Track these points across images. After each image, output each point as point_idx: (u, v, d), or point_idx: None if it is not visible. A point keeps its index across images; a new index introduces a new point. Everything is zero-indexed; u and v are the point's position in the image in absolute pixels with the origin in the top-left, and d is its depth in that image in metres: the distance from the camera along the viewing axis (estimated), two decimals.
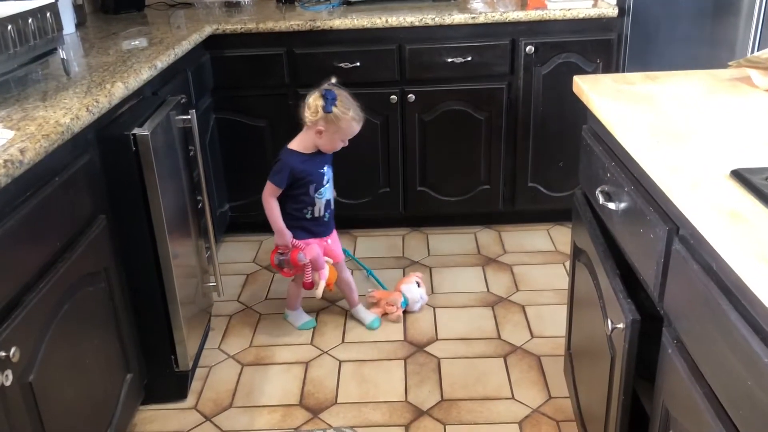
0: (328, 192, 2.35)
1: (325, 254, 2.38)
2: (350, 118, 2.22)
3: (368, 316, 2.53)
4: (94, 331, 1.73)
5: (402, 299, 2.53)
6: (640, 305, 1.32)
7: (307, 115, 2.21)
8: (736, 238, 0.91)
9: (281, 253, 2.35)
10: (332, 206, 2.40)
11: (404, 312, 2.56)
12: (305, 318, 2.54)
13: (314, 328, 2.52)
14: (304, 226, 2.34)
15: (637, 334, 1.26)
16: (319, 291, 2.34)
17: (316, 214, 2.34)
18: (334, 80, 2.27)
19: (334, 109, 2.18)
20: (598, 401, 1.55)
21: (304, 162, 2.27)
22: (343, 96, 2.22)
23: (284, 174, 2.24)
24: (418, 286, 2.58)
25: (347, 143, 2.31)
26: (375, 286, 2.75)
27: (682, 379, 1.07)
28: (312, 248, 2.32)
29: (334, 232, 2.47)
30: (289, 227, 2.31)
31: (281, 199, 2.31)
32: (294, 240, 2.32)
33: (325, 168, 2.32)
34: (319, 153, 2.30)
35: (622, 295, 1.33)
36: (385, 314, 2.54)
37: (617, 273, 1.41)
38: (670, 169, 1.13)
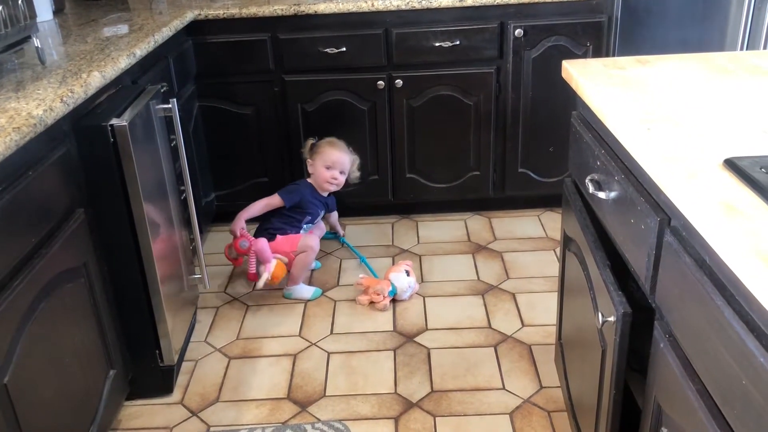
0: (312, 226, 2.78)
1: (280, 251, 2.57)
2: (326, 142, 2.71)
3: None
4: (74, 327, 1.69)
5: (390, 288, 2.50)
6: (631, 296, 1.29)
7: (307, 158, 2.74)
8: (730, 230, 0.87)
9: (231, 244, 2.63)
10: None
11: (393, 301, 2.53)
12: (311, 288, 2.62)
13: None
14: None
15: (629, 327, 1.23)
16: (261, 282, 2.49)
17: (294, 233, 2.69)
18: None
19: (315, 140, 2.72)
20: (589, 392, 1.52)
21: (314, 196, 2.72)
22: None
23: (294, 196, 2.66)
24: (408, 274, 2.54)
25: (337, 178, 2.71)
26: (367, 273, 2.72)
27: (675, 376, 1.04)
28: (258, 240, 2.53)
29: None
30: (266, 230, 2.63)
31: (279, 211, 2.65)
32: (242, 229, 2.58)
33: (321, 211, 2.78)
34: (325, 197, 2.77)
35: (612, 287, 1.29)
36: (371, 302, 2.51)
37: (607, 264, 1.37)
38: (662, 158, 1.09)
